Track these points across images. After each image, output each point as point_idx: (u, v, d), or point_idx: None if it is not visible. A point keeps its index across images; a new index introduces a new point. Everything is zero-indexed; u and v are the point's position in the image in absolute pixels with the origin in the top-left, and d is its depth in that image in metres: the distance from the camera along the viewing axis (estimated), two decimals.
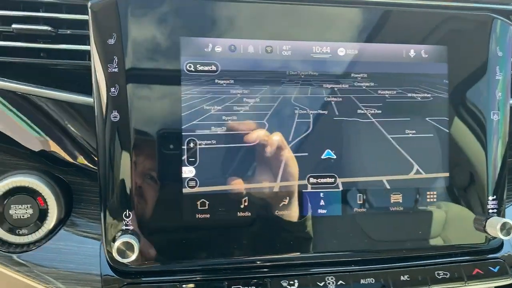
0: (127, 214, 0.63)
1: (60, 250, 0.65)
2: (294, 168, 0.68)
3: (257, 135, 0.67)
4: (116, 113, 0.63)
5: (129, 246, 0.60)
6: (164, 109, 0.64)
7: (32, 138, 0.69)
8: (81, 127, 0.67)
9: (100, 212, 0.63)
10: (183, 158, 0.64)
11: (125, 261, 0.60)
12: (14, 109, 0.67)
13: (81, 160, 0.69)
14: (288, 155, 0.68)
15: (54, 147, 0.69)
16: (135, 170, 0.63)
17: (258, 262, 0.67)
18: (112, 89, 0.63)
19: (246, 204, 0.67)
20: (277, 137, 0.67)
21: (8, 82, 0.66)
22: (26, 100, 0.67)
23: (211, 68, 0.66)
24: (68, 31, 0.65)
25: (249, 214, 0.67)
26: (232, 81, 0.67)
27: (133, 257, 0.60)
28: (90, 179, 0.71)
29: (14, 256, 0.64)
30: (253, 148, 0.67)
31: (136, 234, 0.62)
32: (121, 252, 0.60)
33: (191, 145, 0.65)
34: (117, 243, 0.60)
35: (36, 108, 0.67)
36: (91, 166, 0.69)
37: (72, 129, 0.68)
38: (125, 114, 0.63)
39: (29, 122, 0.68)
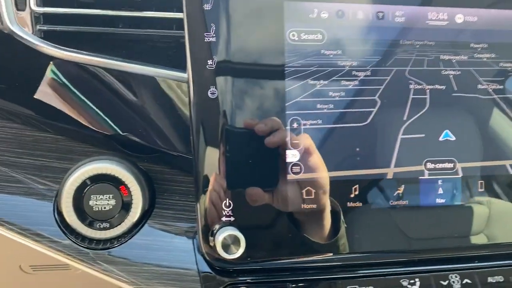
0: (227, 204, 0.55)
1: (149, 246, 0.57)
2: (410, 151, 0.59)
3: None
4: (214, 89, 0.55)
5: (234, 240, 0.52)
6: (266, 85, 0.56)
7: (103, 121, 0.61)
8: (165, 106, 0.59)
9: (196, 202, 0.55)
10: (287, 140, 0.56)
11: (230, 257, 0.52)
12: (83, 87, 0.60)
13: (163, 145, 0.62)
14: (402, 136, 0.59)
15: (129, 131, 0.62)
16: (235, 154, 0.55)
17: (371, 259, 0.59)
18: (210, 62, 0.55)
19: (356, 193, 0.58)
20: (390, 116, 0.59)
21: (84, 54, 0.59)
22: (97, 77, 0.60)
23: (317, 37, 0.58)
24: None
25: (360, 204, 0.58)
26: (339, 52, 0.58)
27: (239, 252, 0.52)
28: (170, 167, 0.64)
29: (94, 253, 0.57)
30: (365, 128, 0.59)
31: (237, 226, 0.54)
32: (226, 247, 0.52)
33: (295, 125, 0.57)
34: (221, 236, 0.52)
35: (108, 86, 0.60)
36: (174, 151, 0.61)
37: (153, 109, 0.60)
38: (224, 90, 0.55)
39: (99, 101, 0.61)
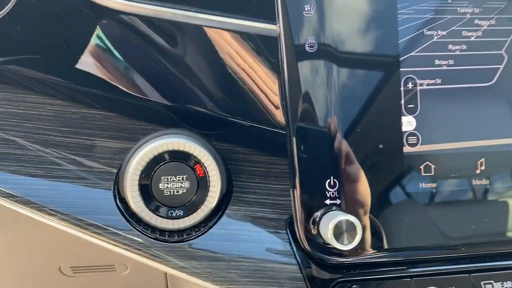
0: (332, 183, 0.44)
1: (235, 237, 0.46)
2: None
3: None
4: (313, 41, 0.44)
5: (350, 227, 0.42)
6: (376, 35, 0.45)
7: (161, 90, 0.51)
8: (240, 67, 0.49)
9: (293, 178, 0.45)
10: (401, 103, 0.46)
11: (344, 248, 0.41)
12: (134, 52, 0.50)
13: (239, 117, 0.51)
14: None
15: (194, 101, 0.51)
16: (340, 121, 0.45)
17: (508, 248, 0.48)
18: (307, 7, 0.44)
19: (482, 168, 0.48)
20: None
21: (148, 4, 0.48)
22: (150, 37, 0.49)
23: None
24: None
25: (487, 182, 0.48)
26: None
27: (355, 241, 0.42)
28: (244, 145, 0.53)
29: (169, 246, 0.46)
30: (490, 89, 0.48)
31: (344, 210, 0.44)
32: (338, 235, 0.41)
33: (409, 85, 0.46)
34: (332, 223, 0.41)
35: (164, 47, 0.49)
36: (255, 123, 0.50)
37: (223, 72, 0.50)
38: (324, 42, 0.44)
39: (154, 66, 0.50)
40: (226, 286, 0.44)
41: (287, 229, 0.47)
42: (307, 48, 0.44)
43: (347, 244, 0.41)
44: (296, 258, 0.45)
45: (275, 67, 0.46)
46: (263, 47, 0.47)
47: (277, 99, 0.47)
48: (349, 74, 0.45)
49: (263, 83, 0.48)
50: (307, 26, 0.44)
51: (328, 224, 0.42)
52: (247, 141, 0.53)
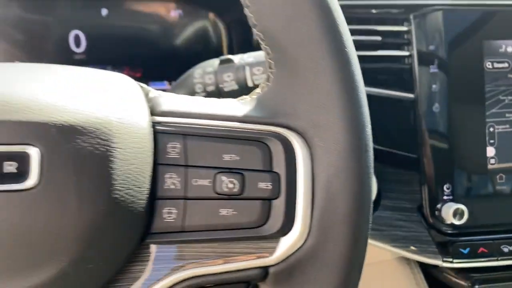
0: (447, 186, 0.78)
1: (389, 218, 0.80)
2: None
3: None
4: (437, 105, 0.78)
5: (460, 211, 0.75)
6: (471, 100, 0.79)
7: None
8: (395, 118, 0.82)
9: (421, 187, 0.78)
10: (486, 139, 0.79)
11: (458, 223, 0.75)
12: None
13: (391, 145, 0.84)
14: None
15: None
16: (452, 150, 0.78)
17: None
18: (434, 86, 0.77)
19: None
20: None
21: None
22: None
23: (504, 65, 0.80)
24: (391, 40, 0.80)
25: None
26: None
27: (463, 219, 0.75)
28: (390, 165, 0.85)
29: None
30: None
31: (455, 202, 0.78)
32: (454, 215, 0.75)
33: (491, 129, 0.79)
34: (452, 208, 0.75)
35: None
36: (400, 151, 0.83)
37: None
38: (444, 105, 0.78)
39: None
40: (387, 244, 0.78)
41: (418, 212, 0.81)
42: (433, 109, 0.78)
43: (459, 220, 0.75)
44: (426, 229, 0.79)
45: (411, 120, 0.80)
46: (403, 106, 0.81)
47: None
48: (456, 124, 0.78)
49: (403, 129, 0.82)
50: (434, 96, 0.77)
51: (448, 209, 0.75)
52: (393, 162, 0.86)
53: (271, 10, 0.39)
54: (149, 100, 0.41)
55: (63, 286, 0.36)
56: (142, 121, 0.38)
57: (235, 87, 0.58)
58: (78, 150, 0.35)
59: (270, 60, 0.41)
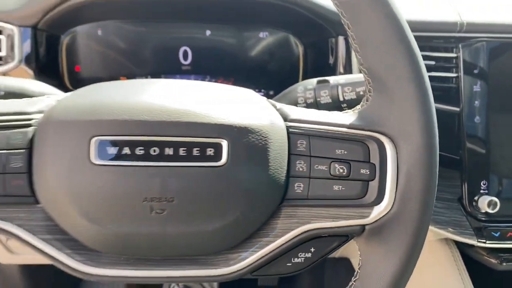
0: (484, 182, 0.97)
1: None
2: None
3: None
4: (478, 117, 0.97)
5: (493, 202, 0.94)
6: (506, 114, 0.98)
7: None
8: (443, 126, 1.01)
9: (464, 179, 0.98)
10: None
11: (491, 211, 0.94)
12: None
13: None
14: None
15: None
16: (488, 153, 0.97)
17: None
18: (476, 102, 0.96)
19: None
20: None
21: None
22: None
23: None
24: (443, 64, 0.99)
25: None
26: None
27: (496, 209, 0.94)
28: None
29: None
30: None
31: (489, 195, 0.97)
32: (488, 205, 0.94)
33: None
34: (487, 200, 0.94)
35: None
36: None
37: None
38: (483, 118, 0.97)
39: None
40: (434, 226, 0.97)
41: (458, 202, 1.00)
42: (475, 120, 0.96)
43: (493, 210, 0.94)
44: (465, 216, 0.98)
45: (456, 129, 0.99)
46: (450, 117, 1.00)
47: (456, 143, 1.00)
48: (495, 133, 0.97)
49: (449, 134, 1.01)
50: (476, 110, 0.96)
51: (484, 201, 0.94)
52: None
53: (374, 57, 0.58)
54: (277, 110, 0.62)
55: (235, 229, 0.57)
56: (281, 125, 0.59)
57: (329, 100, 0.78)
58: (250, 142, 0.56)
59: (370, 87, 0.60)
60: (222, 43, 1.08)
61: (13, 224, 0.56)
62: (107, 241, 0.56)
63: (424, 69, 0.57)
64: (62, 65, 1.05)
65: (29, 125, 0.56)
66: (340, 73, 1.01)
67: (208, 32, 1.08)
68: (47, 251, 0.57)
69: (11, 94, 0.73)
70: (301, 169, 0.58)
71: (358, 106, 0.62)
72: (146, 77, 1.08)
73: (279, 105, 0.63)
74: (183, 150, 0.54)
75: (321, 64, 1.07)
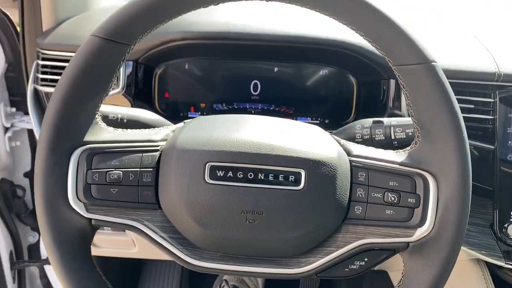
0: None
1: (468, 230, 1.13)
2: None
3: None
4: (511, 155, 1.10)
5: None
6: None
7: None
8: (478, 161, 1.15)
9: (495, 208, 1.11)
10: None
11: None
12: None
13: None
14: None
15: None
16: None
17: None
18: (509, 142, 1.10)
19: None
20: None
21: None
22: None
23: None
24: (481, 107, 1.13)
25: None
26: None
27: None
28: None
29: None
30: None
31: None
32: None
33: None
34: None
35: None
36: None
37: None
38: None
39: None
40: (467, 247, 1.10)
41: (489, 228, 1.13)
42: (507, 158, 1.10)
43: None
44: (495, 240, 1.11)
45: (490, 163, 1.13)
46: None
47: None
48: None
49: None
50: (509, 148, 1.10)
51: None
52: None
53: (424, 112, 0.68)
54: (341, 145, 0.79)
55: (306, 239, 0.74)
56: (346, 159, 0.76)
57: (382, 138, 0.94)
58: (322, 172, 0.73)
59: (418, 133, 0.76)
60: (287, 78, 1.26)
61: (142, 224, 0.75)
62: (210, 241, 0.74)
63: (461, 122, 0.68)
64: (155, 92, 1.25)
65: (156, 150, 0.75)
66: (390, 109, 1.16)
67: (276, 69, 1.26)
68: (165, 245, 0.75)
69: (131, 121, 0.93)
70: (360, 195, 0.71)
71: (408, 148, 0.76)
72: (222, 104, 1.27)
73: (342, 141, 0.79)
74: (272, 176, 0.69)
75: (372, 101, 1.23)
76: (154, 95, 1.24)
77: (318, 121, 1.26)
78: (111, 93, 1.17)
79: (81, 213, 0.68)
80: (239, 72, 1.25)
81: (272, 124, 0.76)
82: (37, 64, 1.22)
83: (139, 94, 1.21)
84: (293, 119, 1.26)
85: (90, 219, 0.69)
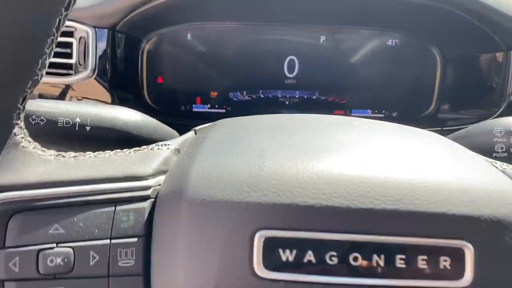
0: None
1: None
2: None
3: None
4: None
5: None
6: None
7: None
8: None
9: None
10: None
11: None
12: None
13: None
14: None
15: None
16: None
17: None
18: None
19: None
20: None
21: None
22: None
23: None
24: None
25: None
26: None
27: None
28: None
29: None
30: None
31: None
32: None
33: None
34: None
35: None
36: None
37: None
38: None
39: None
40: None
41: None
42: None
43: None
44: None
45: None
46: None
47: None
48: None
49: None
50: None
51: None
52: None
53: None
54: (503, 171, 0.40)
55: None
56: None
57: None
58: (506, 245, 0.34)
59: None
60: (337, 53, 0.86)
61: None
62: None
63: None
64: (142, 75, 0.85)
65: (144, 198, 0.38)
66: (509, 96, 0.77)
67: (322, 38, 0.85)
68: None
69: (99, 129, 0.52)
70: None
71: None
72: (241, 93, 0.87)
73: (496, 162, 0.42)
74: (401, 259, 0.33)
75: (467, 84, 0.83)
76: (141, 80, 0.84)
77: (382, 115, 0.87)
78: (74, 78, 0.77)
79: None
80: (268, 44, 0.86)
81: (377, 134, 0.43)
82: None
83: (118, 79, 0.80)
84: (345, 112, 0.87)
85: None
